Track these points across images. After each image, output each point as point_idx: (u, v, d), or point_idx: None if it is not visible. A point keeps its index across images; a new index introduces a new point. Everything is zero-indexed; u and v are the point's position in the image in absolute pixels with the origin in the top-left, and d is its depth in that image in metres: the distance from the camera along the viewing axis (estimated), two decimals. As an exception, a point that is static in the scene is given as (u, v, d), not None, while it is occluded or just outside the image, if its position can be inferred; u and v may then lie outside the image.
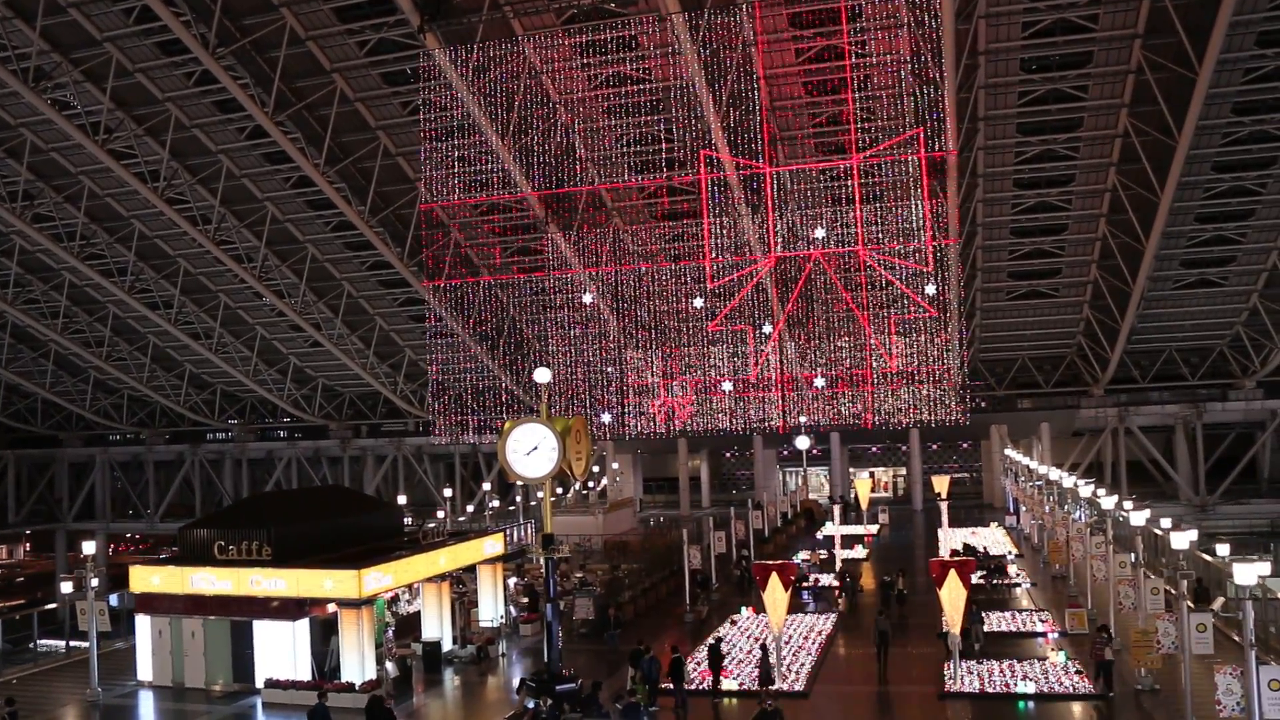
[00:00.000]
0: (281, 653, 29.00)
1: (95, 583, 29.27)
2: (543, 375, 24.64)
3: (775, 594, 27.91)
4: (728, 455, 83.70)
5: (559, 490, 78.85)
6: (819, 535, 57.97)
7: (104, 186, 64.22)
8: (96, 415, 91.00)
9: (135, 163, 60.05)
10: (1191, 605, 23.65)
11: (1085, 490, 35.42)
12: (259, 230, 64.82)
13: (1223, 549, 30.19)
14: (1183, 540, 20.91)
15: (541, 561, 28.54)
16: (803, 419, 64.48)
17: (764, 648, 27.78)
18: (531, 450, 24.11)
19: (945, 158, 47.79)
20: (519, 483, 25.98)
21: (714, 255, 54.14)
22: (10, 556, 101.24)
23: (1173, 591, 28.06)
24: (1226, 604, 27.72)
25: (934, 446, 76.54)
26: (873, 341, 57.42)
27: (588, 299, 60.71)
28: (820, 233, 53.08)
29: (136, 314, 75.41)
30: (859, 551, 50.42)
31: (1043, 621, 33.49)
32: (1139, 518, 26.16)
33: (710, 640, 29.76)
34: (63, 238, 67.50)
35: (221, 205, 62.97)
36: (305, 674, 28.80)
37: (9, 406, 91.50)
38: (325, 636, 29.76)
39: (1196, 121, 48.75)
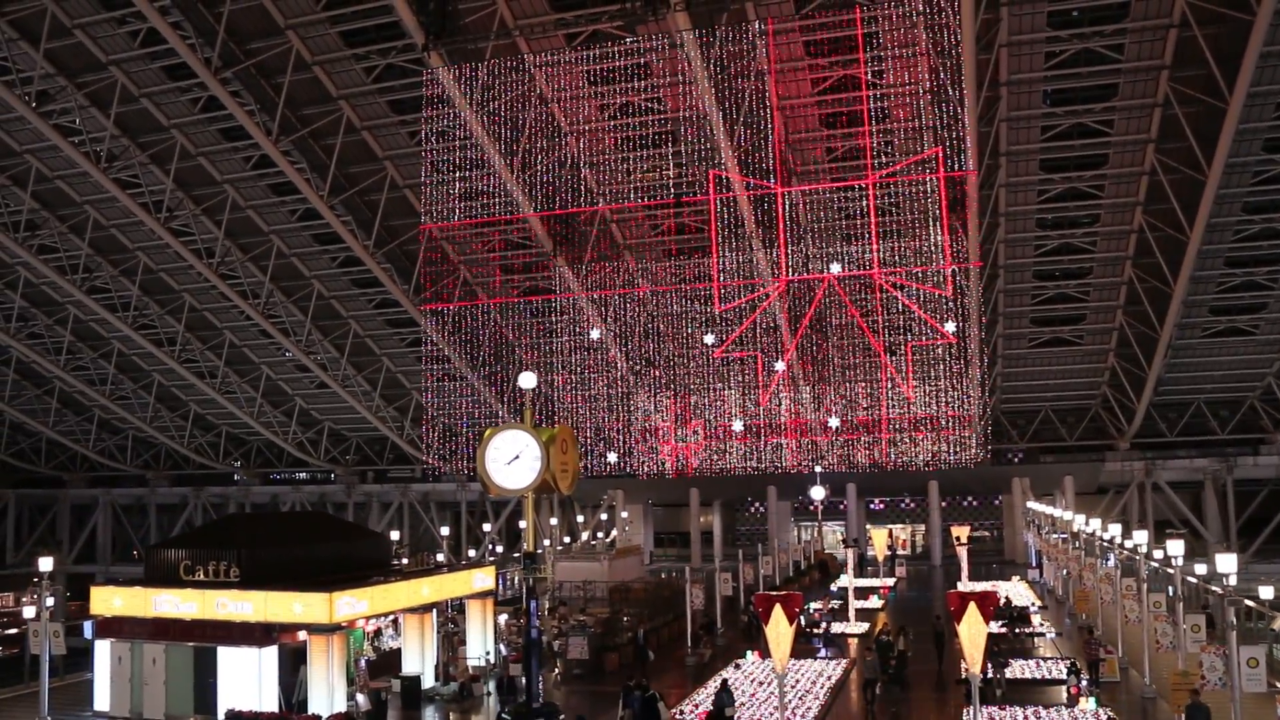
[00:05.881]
0: (247, 682, 27.04)
1: (51, 601, 27.38)
2: (528, 380, 22.71)
3: (779, 628, 25.73)
4: (741, 510, 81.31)
5: (566, 539, 76.67)
6: (833, 587, 55.73)
7: (109, 217, 63.37)
8: (101, 456, 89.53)
9: (140, 192, 59.29)
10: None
11: (1114, 529, 33.15)
12: (264, 265, 63.69)
13: (1266, 591, 27.99)
14: (1229, 563, 18.73)
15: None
16: (818, 468, 62.54)
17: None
18: (513, 460, 22.07)
19: (965, 180, 46.01)
20: (498, 496, 23.74)
21: (723, 280, 52.31)
22: (16, 604, 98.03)
23: (1208, 639, 25.81)
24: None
25: (953, 501, 73.89)
26: (889, 374, 55.26)
27: (595, 334, 58.95)
28: (836, 267, 51.29)
29: (141, 350, 74.26)
30: (874, 602, 48.31)
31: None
32: (1176, 547, 24.03)
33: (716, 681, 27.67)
34: (67, 270, 66.60)
35: (226, 238, 61.97)
36: (271, 704, 26.77)
37: (13, 445, 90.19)
38: (295, 665, 27.71)
39: (1226, 158, 46.98)
